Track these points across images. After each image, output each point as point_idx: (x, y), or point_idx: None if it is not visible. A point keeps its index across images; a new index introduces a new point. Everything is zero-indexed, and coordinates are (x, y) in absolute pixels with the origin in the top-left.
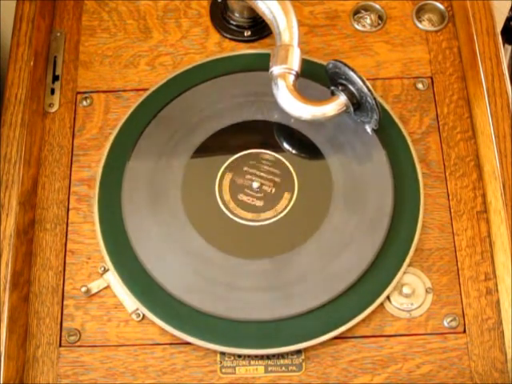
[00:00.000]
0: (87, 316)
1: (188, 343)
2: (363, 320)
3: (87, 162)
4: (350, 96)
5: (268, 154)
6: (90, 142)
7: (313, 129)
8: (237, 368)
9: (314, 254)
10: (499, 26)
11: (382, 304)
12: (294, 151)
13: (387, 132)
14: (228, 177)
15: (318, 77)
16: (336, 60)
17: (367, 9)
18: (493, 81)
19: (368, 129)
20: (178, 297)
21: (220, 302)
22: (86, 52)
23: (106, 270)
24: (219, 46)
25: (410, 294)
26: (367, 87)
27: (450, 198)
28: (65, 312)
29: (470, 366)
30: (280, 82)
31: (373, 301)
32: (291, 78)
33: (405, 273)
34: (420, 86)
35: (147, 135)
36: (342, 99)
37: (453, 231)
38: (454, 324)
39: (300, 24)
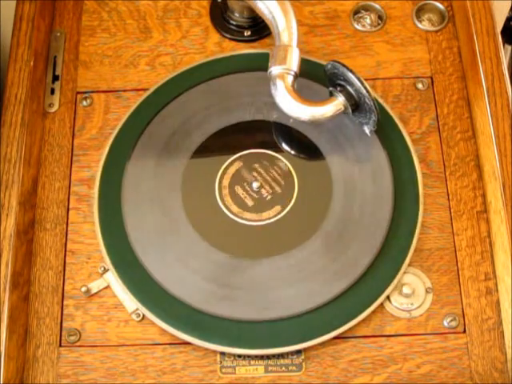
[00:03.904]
0: (87, 316)
1: (188, 343)
2: (363, 320)
3: (87, 162)
4: (349, 97)
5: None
6: (90, 142)
7: (313, 129)
8: (237, 368)
9: (314, 254)
10: (499, 25)
11: (382, 304)
12: (293, 151)
13: (387, 132)
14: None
15: (317, 77)
16: (334, 61)
17: (367, 9)
18: (493, 81)
19: (366, 130)
20: (178, 297)
21: (220, 301)
22: (85, 52)
23: (105, 270)
24: (219, 46)
25: (409, 293)
26: (365, 88)
27: (450, 197)
28: (65, 312)
29: (470, 366)
30: (278, 83)
31: (373, 301)
32: (290, 78)
33: (405, 273)
34: (420, 85)
35: (147, 135)
36: (340, 100)
37: (453, 231)
38: (453, 324)
39: (300, 24)
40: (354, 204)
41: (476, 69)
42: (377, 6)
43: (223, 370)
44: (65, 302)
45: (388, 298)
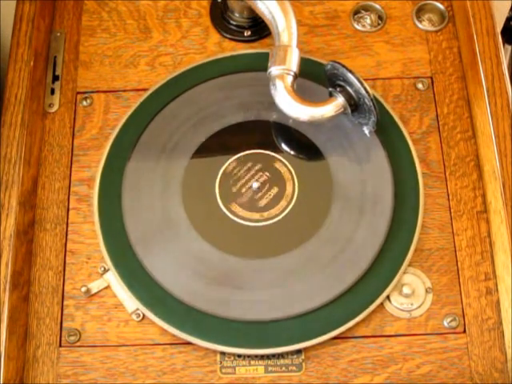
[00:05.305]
0: (87, 316)
1: (188, 343)
2: (363, 320)
3: (87, 162)
4: (348, 97)
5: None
6: (90, 142)
7: (313, 129)
8: (237, 368)
9: (314, 254)
10: (499, 25)
11: (382, 304)
12: (293, 151)
13: (387, 132)
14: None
15: (317, 77)
16: (334, 61)
17: (367, 9)
18: (493, 81)
19: (366, 131)
20: (178, 297)
21: (220, 301)
22: (86, 52)
23: (106, 270)
24: (219, 46)
25: (409, 294)
26: (365, 89)
27: (450, 198)
28: (65, 312)
29: (470, 366)
30: (278, 83)
31: (373, 301)
32: (289, 78)
33: (405, 273)
34: (420, 86)
35: (147, 135)
36: (339, 101)
37: (453, 231)
38: (454, 324)
39: (300, 24)
40: (354, 204)
41: (476, 69)
42: (377, 6)
43: (223, 370)
44: (65, 302)
45: (388, 297)
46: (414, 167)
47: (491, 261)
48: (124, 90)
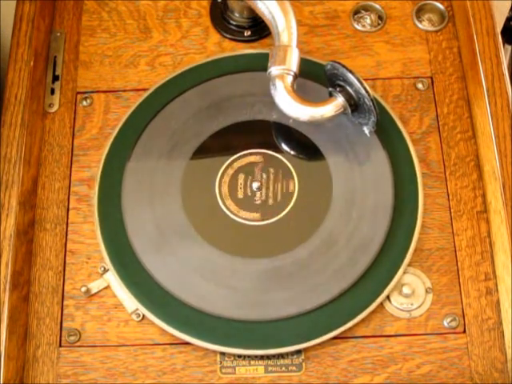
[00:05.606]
0: (87, 316)
1: (188, 343)
2: (363, 320)
3: (87, 162)
4: (348, 97)
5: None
6: (90, 142)
7: (313, 129)
8: (237, 368)
9: (314, 254)
10: (499, 25)
11: (381, 304)
12: (293, 151)
13: (387, 132)
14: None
15: (317, 77)
16: (334, 61)
17: (367, 9)
18: (493, 81)
19: (366, 131)
20: (178, 297)
21: (220, 301)
22: (86, 52)
23: (106, 270)
24: (219, 46)
25: (409, 293)
26: (365, 89)
27: (450, 197)
28: (65, 312)
29: (470, 366)
30: (278, 83)
31: (373, 301)
32: (289, 78)
33: (405, 273)
34: (420, 85)
35: (147, 135)
36: (339, 101)
37: (453, 231)
38: (453, 324)
39: (300, 24)
40: (353, 204)
41: (476, 69)
42: (377, 6)
43: (223, 370)
44: (65, 302)
45: (388, 297)
46: (414, 167)
47: (491, 261)
48: (124, 90)
